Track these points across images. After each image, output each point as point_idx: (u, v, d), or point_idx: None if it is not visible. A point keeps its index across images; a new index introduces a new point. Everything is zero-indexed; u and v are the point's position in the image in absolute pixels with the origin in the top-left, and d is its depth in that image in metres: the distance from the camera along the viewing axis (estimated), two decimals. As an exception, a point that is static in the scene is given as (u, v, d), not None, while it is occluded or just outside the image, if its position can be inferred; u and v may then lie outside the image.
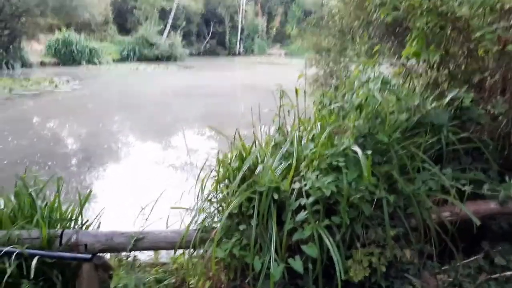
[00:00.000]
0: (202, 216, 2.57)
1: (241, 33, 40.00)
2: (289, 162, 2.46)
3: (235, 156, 2.62)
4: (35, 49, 24.78)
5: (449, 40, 2.99)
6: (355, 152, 2.27)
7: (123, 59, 29.38)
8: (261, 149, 2.69)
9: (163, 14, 33.72)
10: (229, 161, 2.65)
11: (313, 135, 2.65)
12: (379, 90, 2.47)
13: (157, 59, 30.34)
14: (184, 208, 2.66)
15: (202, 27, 38.43)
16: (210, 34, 38.81)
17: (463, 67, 2.99)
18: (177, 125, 10.72)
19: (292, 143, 2.54)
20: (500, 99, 2.73)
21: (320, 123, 2.63)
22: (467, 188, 2.51)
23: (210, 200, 2.59)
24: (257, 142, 2.82)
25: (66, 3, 21.83)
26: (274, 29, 45.27)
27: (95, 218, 2.78)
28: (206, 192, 2.68)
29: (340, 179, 2.21)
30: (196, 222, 2.49)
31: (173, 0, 33.65)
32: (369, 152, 2.21)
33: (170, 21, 33.26)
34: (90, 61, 25.48)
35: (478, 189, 2.69)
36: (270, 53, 42.42)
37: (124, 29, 32.77)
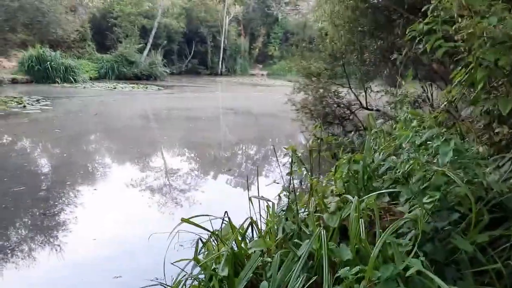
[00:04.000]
0: None
1: (223, 53, 39.42)
2: (313, 279, 1.57)
3: (224, 259, 1.70)
4: (6, 65, 23.56)
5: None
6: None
7: (101, 77, 28.38)
8: (263, 241, 1.78)
9: (144, 32, 32.89)
10: (212, 263, 1.73)
11: (340, 227, 1.77)
12: (447, 161, 1.62)
13: (137, 77, 29.46)
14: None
15: (183, 46, 37.74)
16: (192, 53, 38.13)
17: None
18: (157, 154, 9.75)
19: (318, 241, 1.64)
20: None
21: (358, 217, 1.74)
22: None
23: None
24: (255, 227, 1.92)
25: (38, 19, 20.74)
26: (257, 50, 44.96)
27: None
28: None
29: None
30: None
31: (155, 19, 32.90)
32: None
33: (151, 39, 32.43)
34: (65, 79, 24.29)
35: None
36: (252, 74, 42.01)
37: (103, 47, 31.76)
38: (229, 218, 1.97)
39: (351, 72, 10.65)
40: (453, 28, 2.17)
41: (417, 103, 8.67)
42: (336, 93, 10.65)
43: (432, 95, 8.58)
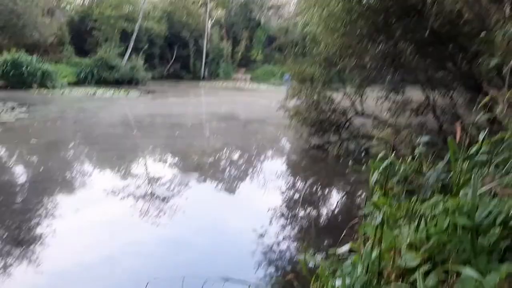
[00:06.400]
0: None
1: (206, 57, 38.70)
2: None
3: None
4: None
5: None
6: None
7: (80, 82, 27.30)
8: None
9: (125, 36, 31.94)
10: None
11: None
12: None
13: (117, 82, 28.44)
14: None
15: (165, 50, 36.91)
16: (174, 57, 37.32)
17: None
18: (144, 164, 9.11)
19: None
20: None
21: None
22: None
23: None
24: None
25: (12, 22, 19.75)
26: (240, 54, 44.28)
27: None
28: None
29: None
30: None
31: (135, 22, 32.03)
32: None
33: (131, 43, 31.51)
34: (42, 85, 23.24)
35: None
36: (235, 78, 41.32)
37: (82, 51, 30.67)
38: None
39: (347, 78, 10.18)
40: None
41: (420, 110, 8.27)
42: (330, 99, 10.15)
43: (435, 101, 8.17)
